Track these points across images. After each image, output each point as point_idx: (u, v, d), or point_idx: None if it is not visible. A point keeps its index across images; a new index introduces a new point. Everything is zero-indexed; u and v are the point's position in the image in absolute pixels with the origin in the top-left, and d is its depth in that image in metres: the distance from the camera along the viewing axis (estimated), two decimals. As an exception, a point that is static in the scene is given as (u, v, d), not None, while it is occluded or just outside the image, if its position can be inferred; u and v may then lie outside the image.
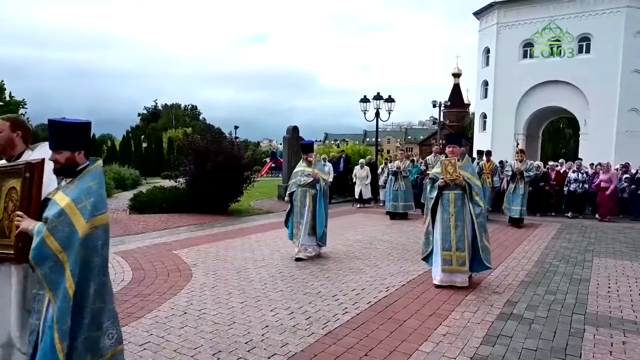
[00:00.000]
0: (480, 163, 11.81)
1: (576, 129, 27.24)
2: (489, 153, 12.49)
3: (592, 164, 13.98)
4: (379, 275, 6.14)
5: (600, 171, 12.66)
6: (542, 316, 4.62)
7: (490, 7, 26.19)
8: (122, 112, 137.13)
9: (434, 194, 5.52)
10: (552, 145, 38.48)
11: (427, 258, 5.75)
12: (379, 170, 14.87)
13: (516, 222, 10.97)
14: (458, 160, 5.44)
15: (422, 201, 11.02)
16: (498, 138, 25.55)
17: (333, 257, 7.24)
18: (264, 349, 3.76)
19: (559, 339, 4.04)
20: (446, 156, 5.63)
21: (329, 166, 14.58)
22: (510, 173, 11.35)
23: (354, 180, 15.02)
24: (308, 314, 4.60)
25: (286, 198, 7.32)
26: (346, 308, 4.79)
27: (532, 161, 11.95)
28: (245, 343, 3.86)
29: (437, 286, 5.48)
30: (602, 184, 12.25)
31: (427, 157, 14.04)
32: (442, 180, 5.38)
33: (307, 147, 7.47)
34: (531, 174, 11.14)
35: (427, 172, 10.26)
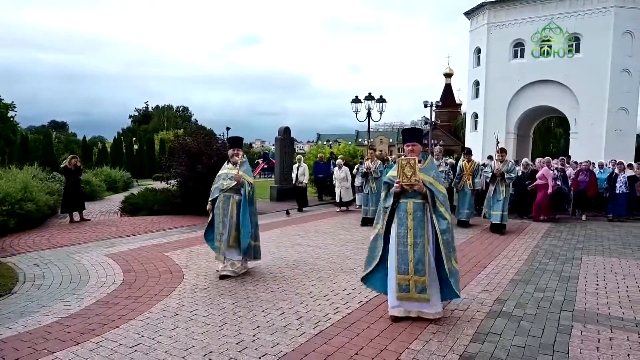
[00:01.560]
0: (461, 163, 10.81)
1: (567, 128, 27.51)
2: (469, 152, 11.27)
3: (576, 162, 14.02)
4: (370, 274, 6.16)
5: (538, 168, 12.04)
6: (530, 313, 4.68)
7: (480, 7, 26.41)
8: (113, 114, 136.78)
9: (389, 202, 4.49)
10: (542, 145, 38.87)
11: (367, 278, 4.70)
12: (354, 171, 13.56)
13: (498, 229, 9.73)
14: (419, 162, 4.41)
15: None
16: (489, 138, 25.77)
17: (325, 257, 7.26)
18: (255, 349, 3.77)
19: (547, 336, 4.09)
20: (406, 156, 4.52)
21: (303, 167, 14.49)
22: (489, 174, 10.25)
23: (334, 182, 14.00)
24: (299, 313, 4.62)
25: (208, 206, 6.37)
26: (337, 307, 4.82)
27: (513, 161, 11.61)
28: (237, 344, 3.88)
29: (396, 319, 4.44)
30: (538, 181, 11.55)
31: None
32: (397, 186, 4.39)
33: (233, 141, 6.50)
34: (513, 175, 10.02)
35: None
